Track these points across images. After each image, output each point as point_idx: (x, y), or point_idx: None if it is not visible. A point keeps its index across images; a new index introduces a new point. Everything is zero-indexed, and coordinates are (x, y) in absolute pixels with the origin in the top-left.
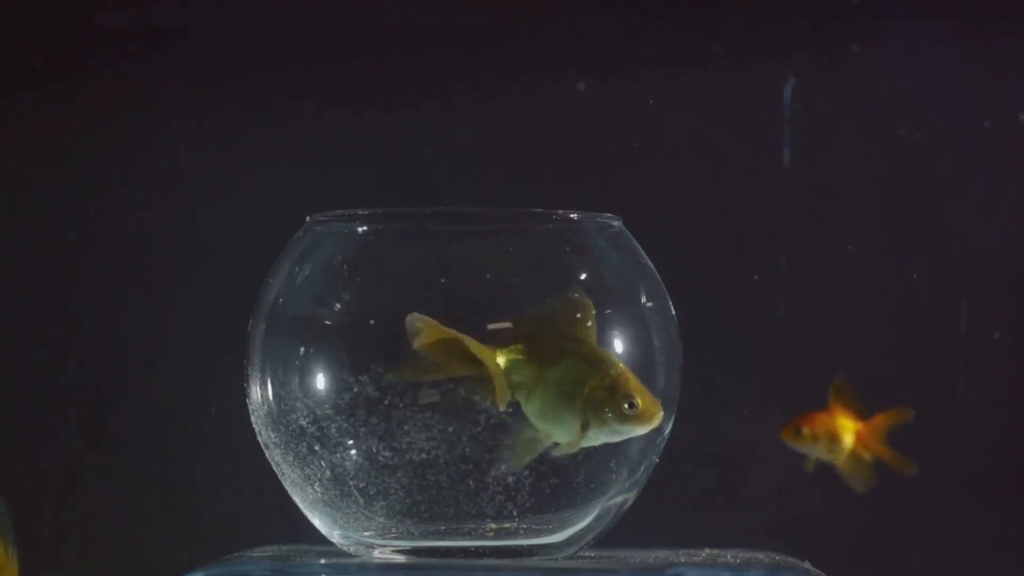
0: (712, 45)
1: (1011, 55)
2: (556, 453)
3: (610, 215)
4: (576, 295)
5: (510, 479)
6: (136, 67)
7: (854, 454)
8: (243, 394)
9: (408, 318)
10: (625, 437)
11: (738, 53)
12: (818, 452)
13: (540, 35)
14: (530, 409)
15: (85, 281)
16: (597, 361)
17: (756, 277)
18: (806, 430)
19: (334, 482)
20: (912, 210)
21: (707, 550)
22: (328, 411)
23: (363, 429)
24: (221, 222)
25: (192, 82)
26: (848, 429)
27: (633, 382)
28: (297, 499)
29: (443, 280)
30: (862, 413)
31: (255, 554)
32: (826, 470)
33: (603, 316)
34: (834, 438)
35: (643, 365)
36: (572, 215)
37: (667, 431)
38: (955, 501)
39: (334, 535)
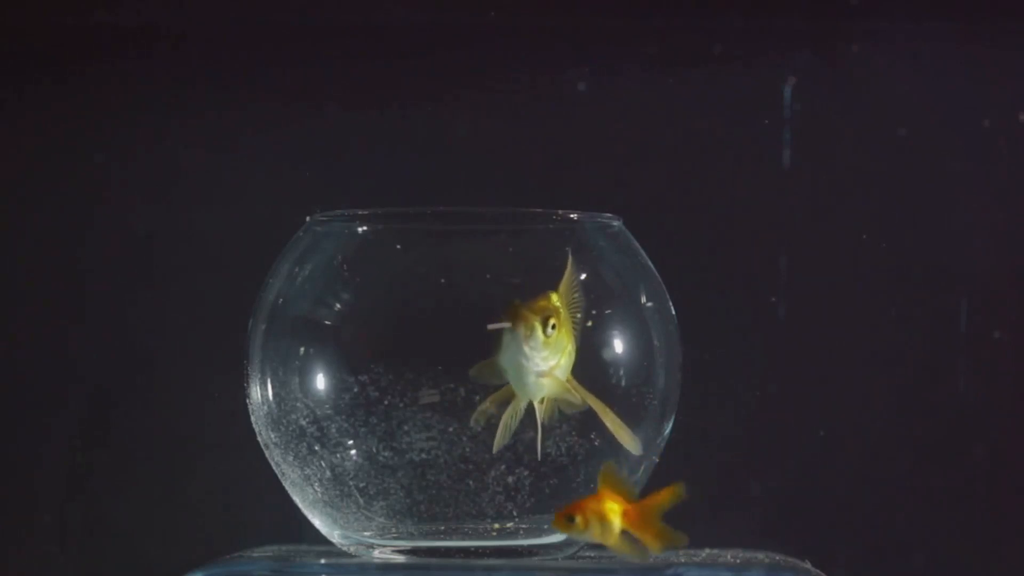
0: (712, 45)
1: (1011, 55)
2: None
3: (610, 215)
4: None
5: (510, 479)
6: (136, 67)
7: (625, 534)
8: (243, 394)
9: None
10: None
11: (738, 53)
12: (590, 537)
13: (540, 35)
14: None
15: (85, 281)
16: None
17: (769, 296)
18: (578, 518)
19: (334, 482)
20: (912, 210)
21: (707, 550)
22: (328, 411)
23: (363, 429)
24: (221, 222)
25: (192, 82)
26: (616, 512)
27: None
28: (297, 499)
29: (443, 280)
30: (630, 495)
31: (255, 554)
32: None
33: (603, 316)
34: (604, 522)
35: (643, 365)
36: (572, 215)
37: (667, 431)
38: (955, 501)
39: (334, 535)
